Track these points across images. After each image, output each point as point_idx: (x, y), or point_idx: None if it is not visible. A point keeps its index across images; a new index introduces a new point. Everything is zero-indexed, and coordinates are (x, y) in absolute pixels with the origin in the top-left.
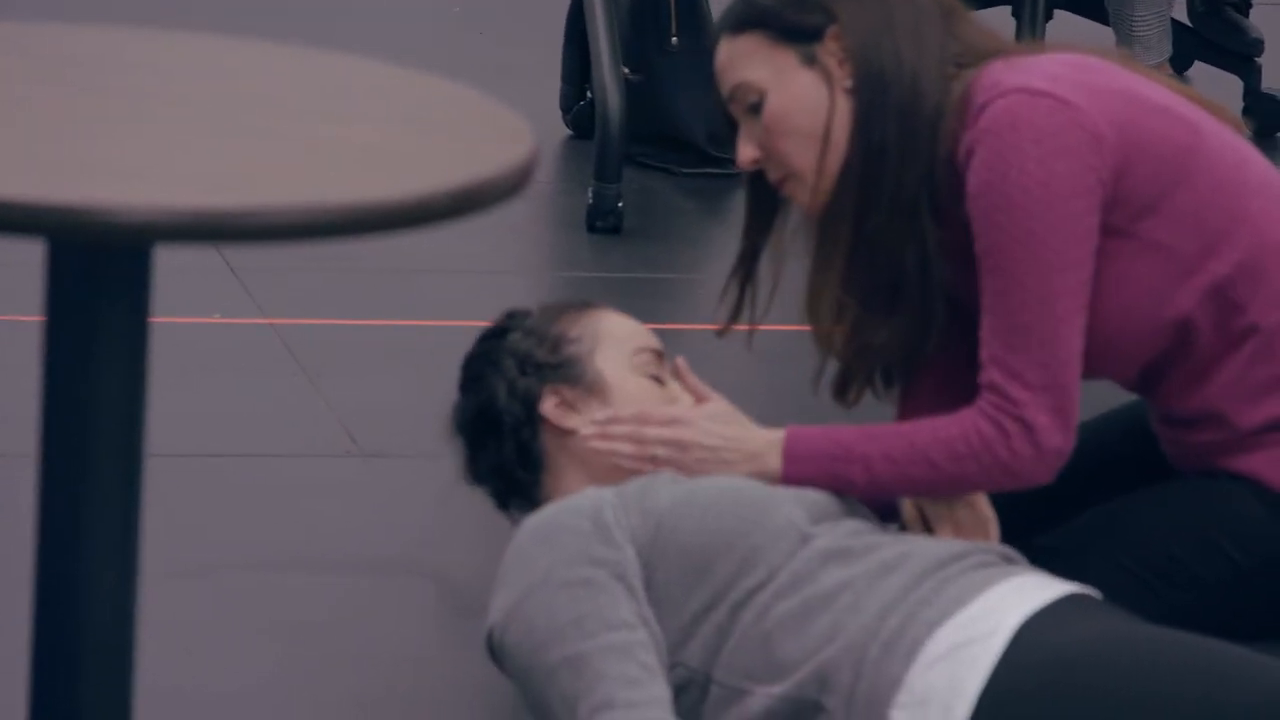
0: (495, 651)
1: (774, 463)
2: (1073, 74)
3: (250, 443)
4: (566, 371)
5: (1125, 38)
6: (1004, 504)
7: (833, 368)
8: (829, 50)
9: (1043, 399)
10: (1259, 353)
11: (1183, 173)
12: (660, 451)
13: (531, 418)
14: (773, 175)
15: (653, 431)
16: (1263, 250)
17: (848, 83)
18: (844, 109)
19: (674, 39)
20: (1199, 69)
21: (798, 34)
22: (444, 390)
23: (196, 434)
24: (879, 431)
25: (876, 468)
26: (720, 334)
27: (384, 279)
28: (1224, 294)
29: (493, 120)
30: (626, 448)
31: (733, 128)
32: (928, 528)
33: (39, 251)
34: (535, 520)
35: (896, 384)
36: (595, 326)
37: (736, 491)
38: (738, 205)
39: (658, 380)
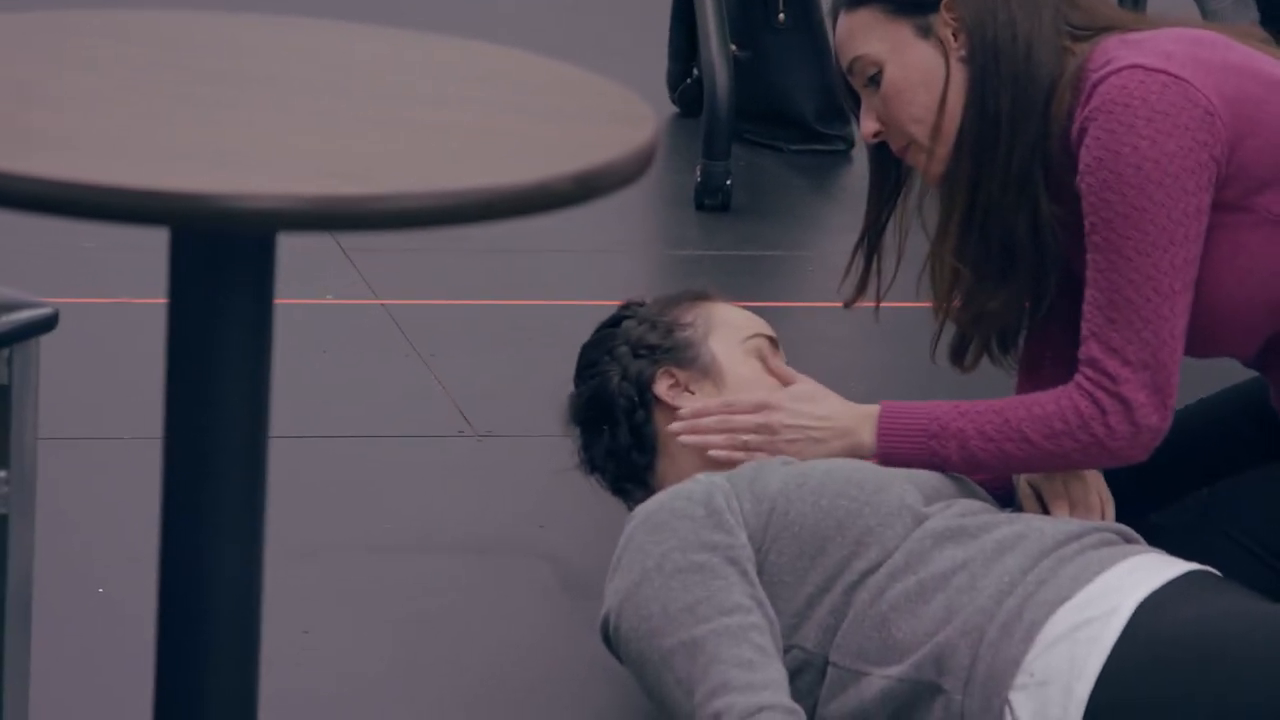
0: (610, 639)
1: (868, 438)
2: (1187, 49)
3: (364, 424)
4: (680, 354)
5: (1202, 8)
6: (1117, 481)
7: (949, 334)
8: (944, 21)
9: (1142, 376)
10: None
11: None
12: (751, 438)
13: (645, 400)
14: (894, 145)
15: (740, 419)
16: None
17: (962, 52)
18: (959, 78)
19: (781, 15)
20: None
21: (913, 6)
22: (555, 369)
23: (310, 415)
24: (975, 407)
25: (972, 444)
26: (847, 306)
27: (494, 259)
28: None
29: (612, 102)
30: (718, 438)
31: (855, 100)
32: (1044, 508)
33: (162, 235)
34: (648, 508)
35: (1011, 350)
36: (709, 314)
37: (848, 473)
38: (846, 182)
39: (779, 371)
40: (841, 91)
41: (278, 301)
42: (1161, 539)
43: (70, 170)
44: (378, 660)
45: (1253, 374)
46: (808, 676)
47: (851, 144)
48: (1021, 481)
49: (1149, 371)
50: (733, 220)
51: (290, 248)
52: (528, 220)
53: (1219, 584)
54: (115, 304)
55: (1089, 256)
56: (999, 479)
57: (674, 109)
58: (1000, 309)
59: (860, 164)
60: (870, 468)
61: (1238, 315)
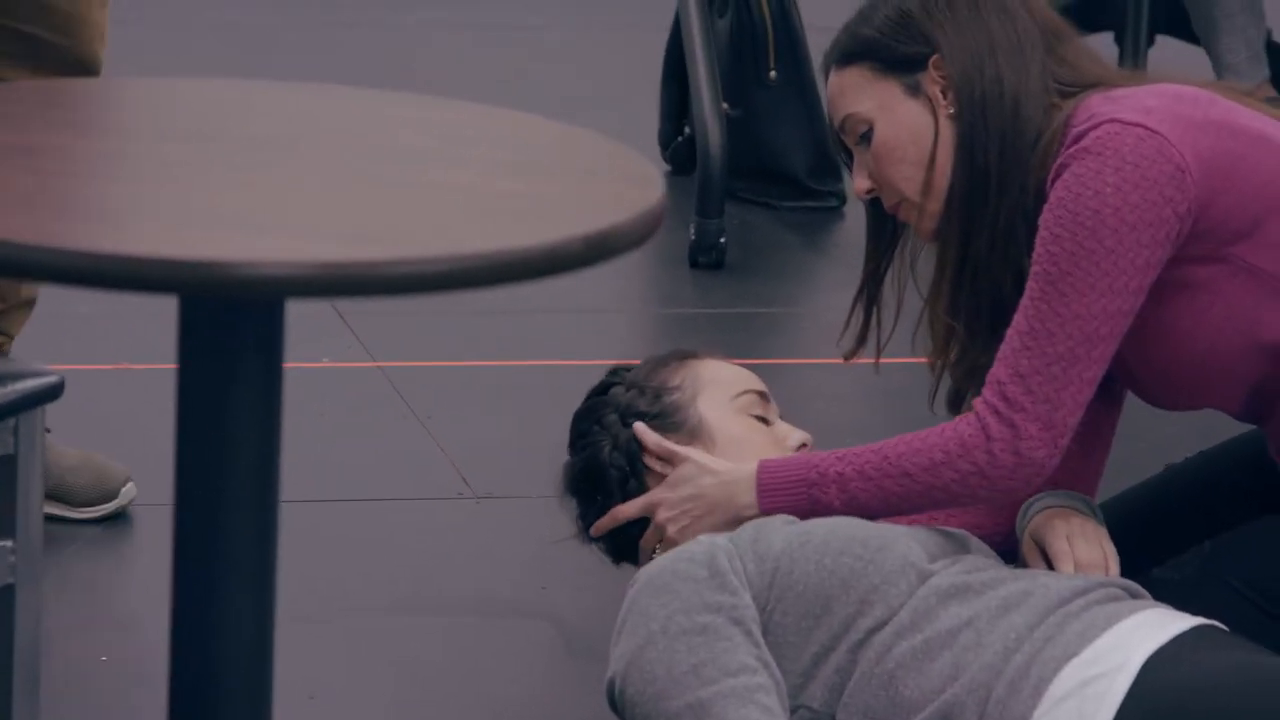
0: (616, 703)
1: (748, 498)
2: (1167, 105)
3: (364, 487)
4: (668, 419)
5: (1215, 64)
6: (1118, 536)
7: (946, 385)
8: (932, 79)
9: (1040, 409)
10: None
11: (1278, 200)
12: (660, 537)
13: (637, 469)
14: (887, 202)
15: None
16: None
17: (951, 110)
18: (948, 135)
19: (772, 73)
20: None
21: (901, 64)
22: (553, 430)
23: (309, 480)
24: (856, 450)
25: (852, 486)
26: (847, 360)
27: (488, 320)
28: None
29: (619, 162)
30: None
31: (850, 155)
32: (1047, 563)
33: (159, 300)
34: (651, 570)
35: None
36: (697, 374)
37: (851, 530)
38: (839, 238)
39: (763, 420)
40: (835, 147)
41: None
42: (1163, 593)
43: (79, 240)
44: None
45: (1250, 427)
46: None
47: (844, 200)
48: (1026, 536)
49: (1048, 406)
50: (727, 278)
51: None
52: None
53: (1226, 639)
54: (114, 370)
55: (1028, 284)
56: (1001, 533)
57: (666, 167)
58: (992, 363)
59: (853, 219)
60: (874, 525)
61: (1218, 362)
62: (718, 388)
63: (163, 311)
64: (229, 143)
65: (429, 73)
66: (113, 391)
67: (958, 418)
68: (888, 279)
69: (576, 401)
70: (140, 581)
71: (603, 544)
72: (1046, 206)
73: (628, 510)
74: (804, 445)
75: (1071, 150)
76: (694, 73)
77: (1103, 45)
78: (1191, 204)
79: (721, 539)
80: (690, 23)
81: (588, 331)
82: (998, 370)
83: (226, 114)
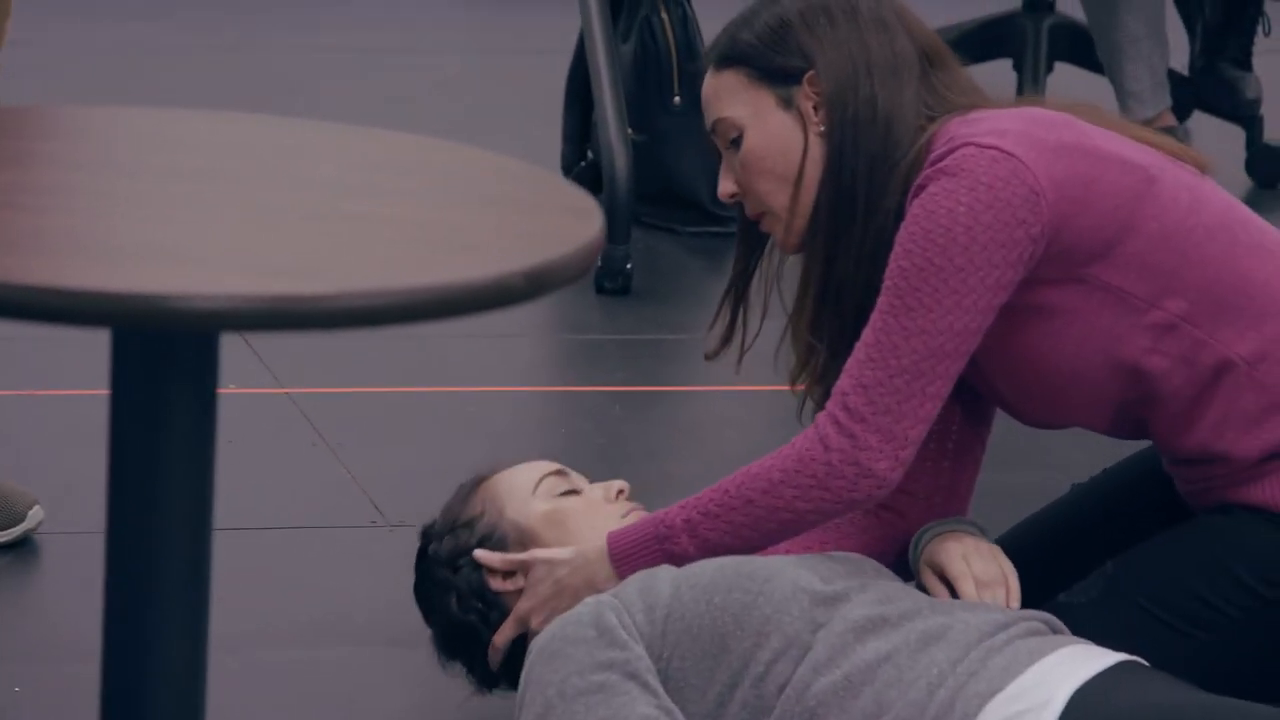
0: None
1: (605, 572)
2: (1022, 129)
3: (274, 515)
4: (490, 543)
5: (1118, 91)
6: (1022, 561)
7: (811, 408)
8: (805, 94)
9: (881, 420)
10: (1239, 384)
11: (1132, 220)
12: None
13: (490, 600)
14: (750, 210)
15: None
16: (1221, 286)
17: (822, 128)
18: (817, 153)
19: (677, 99)
20: (1202, 118)
21: (776, 76)
22: (463, 457)
23: (219, 508)
24: (699, 494)
25: (700, 529)
26: (710, 358)
27: (395, 344)
28: (1182, 332)
29: (555, 195)
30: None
31: (718, 159)
32: (948, 587)
33: (77, 330)
34: (540, 640)
35: None
36: (492, 492)
37: (736, 565)
38: None
39: (572, 492)
40: (710, 147)
41: None
42: (1071, 616)
43: (9, 272)
44: None
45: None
46: None
47: None
48: (921, 565)
49: (889, 418)
50: (633, 303)
51: None
52: None
53: (1149, 674)
54: (17, 396)
55: (879, 301)
56: (895, 555)
57: None
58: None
59: None
60: (759, 560)
61: (1080, 382)
62: (515, 491)
63: (68, 338)
64: (154, 174)
65: (320, 97)
66: (17, 419)
67: (798, 435)
68: (755, 282)
69: (486, 428)
70: (49, 611)
71: (505, 680)
72: (902, 225)
73: (504, 635)
74: (621, 492)
75: (929, 171)
76: (600, 98)
77: (1001, 73)
78: (1045, 226)
79: (606, 596)
80: (595, 49)
81: (496, 357)
82: (841, 382)
83: (147, 144)
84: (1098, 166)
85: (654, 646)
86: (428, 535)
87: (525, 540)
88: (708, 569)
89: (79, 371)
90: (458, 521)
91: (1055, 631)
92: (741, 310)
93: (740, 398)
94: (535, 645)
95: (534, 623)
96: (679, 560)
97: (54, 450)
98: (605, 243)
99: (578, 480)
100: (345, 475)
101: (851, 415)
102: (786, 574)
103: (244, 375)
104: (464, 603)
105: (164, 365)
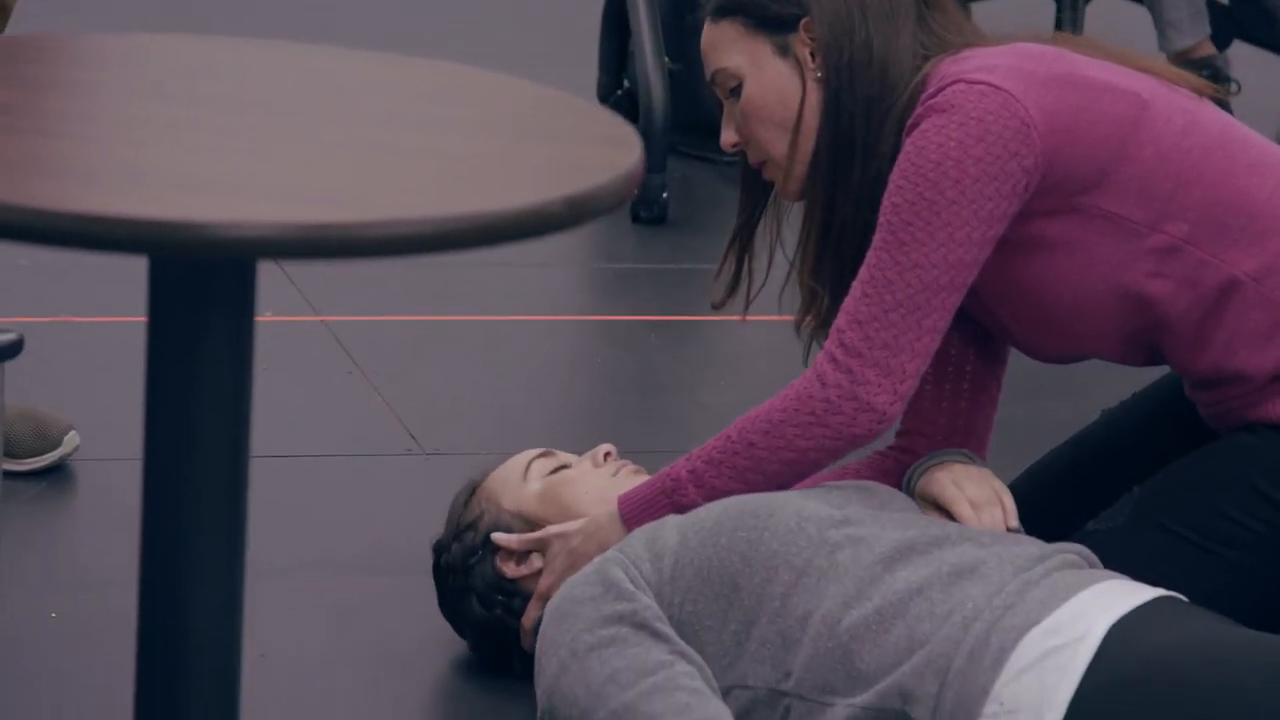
0: None
1: (617, 534)
2: (1011, 63)
3: (311, 444)
4: (497, 534)
5: (1156, 20)
6: (1051, 490)
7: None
8: (801, 40)
9: (878, 355)
10: (1246, 301)
11: (1126, 147)
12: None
13: (508, 590)
14: (751, 158)
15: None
16: (1221, 206)
17: (819, 73)
18: (815, 99)
19: None
20: (1241, 47)
21: (772, 24)
22: (497, 386)
23: (257, 435)
24: (702, 447)
25: (706, 477)
26: (717, 306)
27: (431, 273)
28: (1185, 253)
29: (594, 123)
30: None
31: (721, 106)
32: (945, 515)
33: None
34: (552, 603)
35: None
36: (486, 493)
37: (740, 504)
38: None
39: (562, 468)
40: (711, 97)
41: None
42: (1099, 543)
43: (52, 199)
44: (332, 680)
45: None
46: (762, 713)
47: None
48: (916, 499)
49: (886, 352)
50: (668, 233)
51: None
52: None
53: (1187, 610)
54: (52, 323)
55: (874, 238)
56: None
57: None
58: None
59: None
60: (763, 496)
61: (1086, 310)
62: (508, 483)
63: (104, 265)
64: (199, 103)
65: (351, 29)
66: (53, 346)
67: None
68: (760, 231)
69: (522, 356)
70: (85, 538)
71: None
72: (895, 163)
73: (530, 617)
74: (608, 454)
75: (920, 110)
76: (636, 27)
77: (1041, 6)
78: (1038, 157)
79: (611, 552)
80: None
81: (531, 286)
82: (838, 320)
83: (192, 73)
84: (1088, 96)
85: (663, 594)
86: (438, 550)
87: (528, 524)
88: (713, 512)
89: (118, 298)
90: (461, 527)
91: (1090, 565)
92: (747, 258)
93: (775, 328)
94: (549, 608)
95: (550, 596)
96: (688, 509)
97: (91, 377)
98: None
99: (565, 456)
100: (381, 403)
101: (848, 351)
102: (790, 506)
103: (281, 303)
104: (486, 599)
105: (201, 293)
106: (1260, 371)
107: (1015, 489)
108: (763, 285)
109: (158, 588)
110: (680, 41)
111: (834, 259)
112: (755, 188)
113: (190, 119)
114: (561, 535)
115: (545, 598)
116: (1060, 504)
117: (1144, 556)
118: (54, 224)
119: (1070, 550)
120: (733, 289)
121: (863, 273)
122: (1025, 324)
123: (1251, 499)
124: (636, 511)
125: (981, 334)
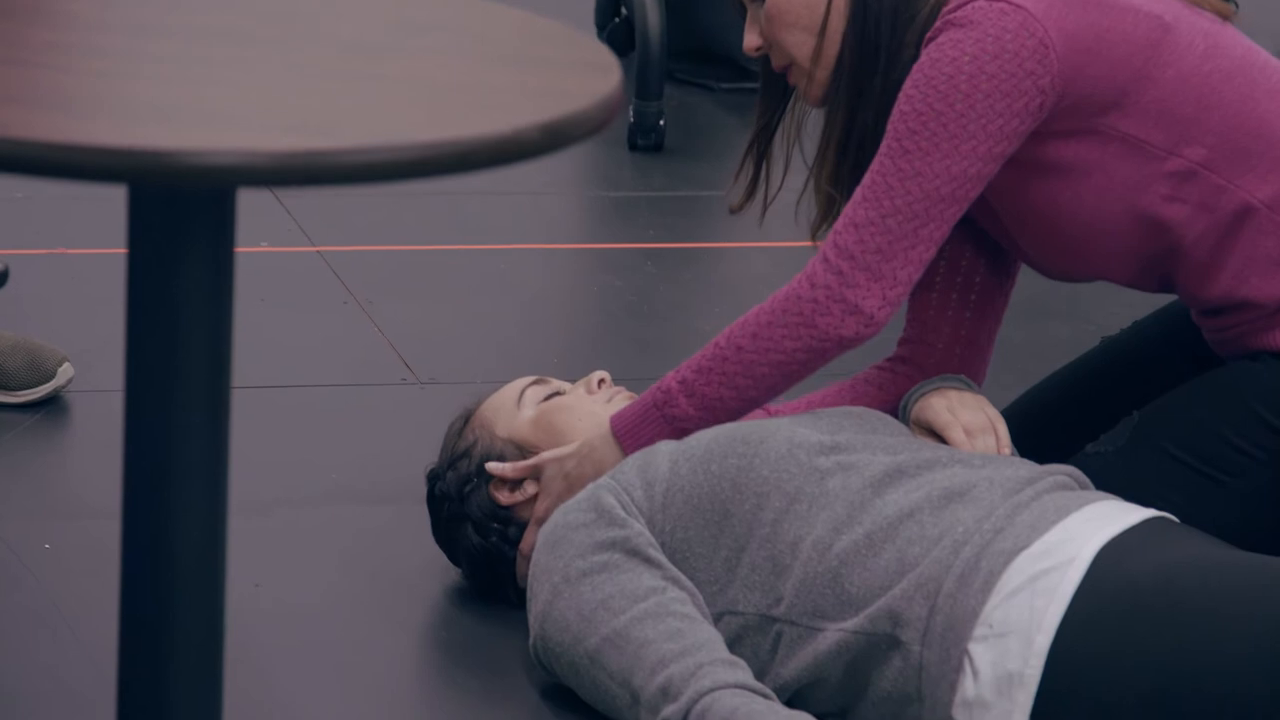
0: (542, 661)
1: (613, 454)
2: None
3: (306, 373)
4: (491, 464)
5: None
6: (1052, 412)
7: None
8: None
9: (870, 259)
10: (1260, 228)
11: (1146, 69)
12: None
13: (503, 517)
14: (775, 63)
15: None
16: (1240, 132)
17: None
18: (841, 4)
19: None
20: None
21: None
22: (494, 315)
23: (250, 366)
24: (690, 357)
25: (696, 386)
26: (735, 211)
27: (427, 202)
28: (1202, 178)
29: (574, 49)
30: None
31: (743, 11)
32: (937, 438)
33: (105, 188)
34: (544, 530)
35: None
36: (481, 419)
37: (731, 431)
38: None
39: (556, 394)
40: (733, 4)
41: None
42: (1097, 465)
43: (29, 128)
44: (327, 609)
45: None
46: (753, 639)
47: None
48: (911, 426)
49: (878, 257)
50: (666, 160)
51: None
52: None
53: (1176, 531)
54: (48, 255)
55: (880, 147)
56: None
57: None
58: None
59: None
60: (754, 423)
61: (1101, 232)
62: (501, 410)
63: (97, 196)
64: (176, 33)
65: None
66: (47, 277)
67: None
68: (778, 137)
69: (518, 285)
70: (80, 469)
71: None
72: (906, 81)
73: (527, 542)
74: (602, 381)
75: (940, 23)
76: None
77: None
78: (1055, 78)
79: (604, 479)
80: None
81: (528, 215)
82: (836, 223)
83: (170, 4)
84: (1109, 16)
85: (655, 521)
86: (432, 478)
87: (522, 450)
88: (704, 439)
89: (113, 230)
90: (455, 455)
91: (1082, 487)
92: (765, 164)
93: (771, 254)
94: (541, 533)
95: (547, 514)
96: (681, 424)
97: (86, 309)
98: (637, 99)
99: (559, 384)
100: (376, 333)
101: (840, 252)
102: (781, 433)
103: (277, 234)
104: (481, 527)
105: (179, 221)
106: (1270, 299)
107: (1015, 410)
108: (779, 190)
109: (140, 517)
110: None
111: (853, 166)
112: (774, 93)
113: (171, 50)
114: (556, 459)
115: (542, 522)
116: (1059, 426)
117: (1142, 478)
118: (31, 153)
119: (1061, 472)
120: (751, 193)
121: (866, 178)
122: (1039, 242)
123: (1254, 427)
124: (629, 429)
125: (993, 247)
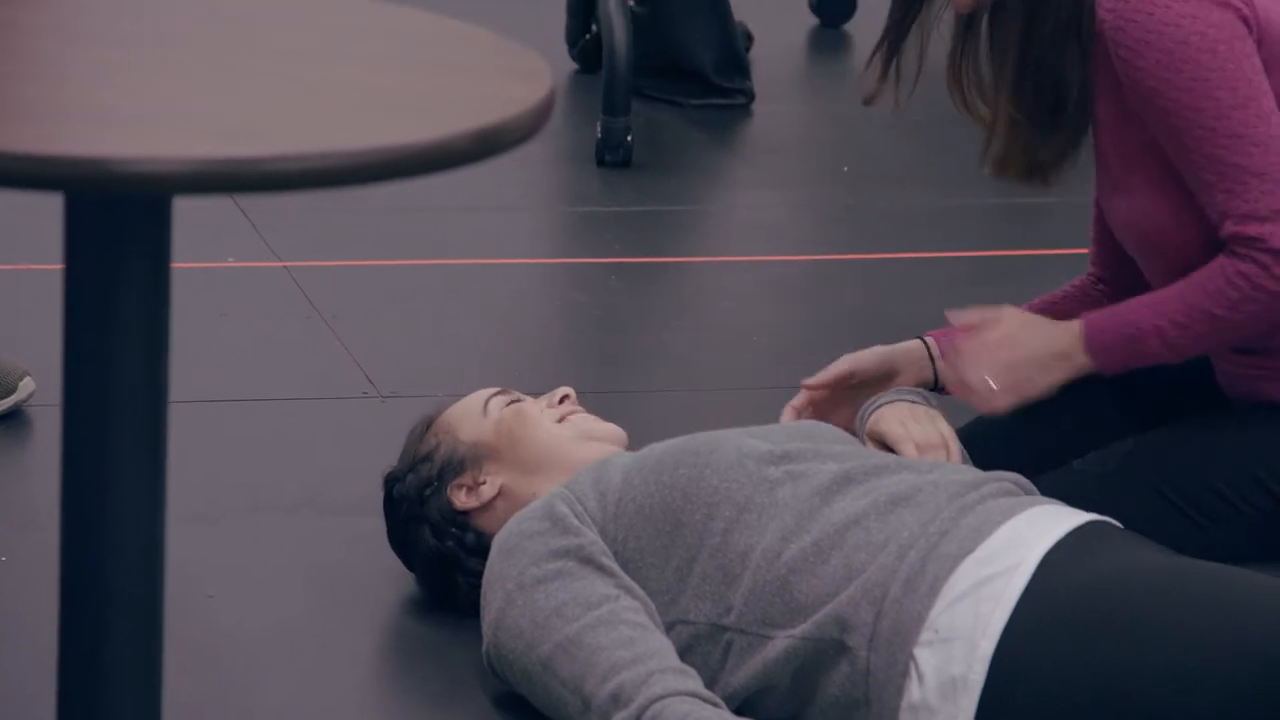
0: (495, 669)
1: (1082, 360)
2: None
3: (268, 387)
4: (450, 468)
5: None
6: (1040, 427)
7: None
8: None
9: (1266, 189)
10: None
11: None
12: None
13: (461, 523)
14: None
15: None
16: None
17: None
18: None
19: None
20: None
21: None
22: (458, 329)
23: (213, 380)
24: (1157, 301)
25: (1168, 334)
26: (869, 102)
27: (395, 218)
28: None
29: (504, 56)
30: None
31: None
32: (886, 449)
33: (57, 201)
34: (499, 538)
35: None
36: (444, 424)
37: (682, 443)
38: (746, 135)
39: (519, 399)
40: None
41: (177, 266)
42: (1083, 483)
43: None
44: (283, 623)
45: None
46: (704, 648)
47: (751, 97)
48: (865, 438)
49: (1267, 183)
50: (634, 176)
51: (190, 210)
52: (428, 178)
53: (1121, 536)
54: (10, 270)
55: (1177, 143)
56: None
57: (573, 65)
58: (1052, 158)
59: (760, 117)
60: (705, 434)
61: (1178, 247)
62: (466, 416)
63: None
64: (107, 39)
65: None
66: (9, 292)
67: (1224, 259)
68: (912, 35)
69: (483, 300)
70: (39, 481)
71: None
72: (1129, 56)
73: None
74: (566, 397)
75: None
76: None
77: None
78: (1252, 15)
79: (559, 488)
80: None
81: (495, 230)
82: (1226, 227)
83: (102, 9)
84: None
85: (608, 530)
86: (390, 481)
87: (488, 457)
88: (656, 451)
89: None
90: (417, 458)
91: (1026, 492)
92: (896, 59)
93: (737, 269)
94: (495, 542)
95: (980, 387)
96: (1147, 359)
97: (47, 323)
98: (604, 115)
99: (515, 393)
100: (339, 347)
101: (1259, 240)
102: (730, 443)
103: (242, 248)
104: (438, 530)
105: (115, 230)
106: None
107: (1005, 419)
108: (913, 89)
109: (76, 528)
110: None
111: (1034, 85)
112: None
113: (102, 56)
114: (1019, 320)
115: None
116: (1045, 439)
117: (1126, 508)
118: None
119: (1006, 478)
120: (880, 87)
121: (1204, 177)
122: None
123: (1246, 482)
124: (1105, 347)
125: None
